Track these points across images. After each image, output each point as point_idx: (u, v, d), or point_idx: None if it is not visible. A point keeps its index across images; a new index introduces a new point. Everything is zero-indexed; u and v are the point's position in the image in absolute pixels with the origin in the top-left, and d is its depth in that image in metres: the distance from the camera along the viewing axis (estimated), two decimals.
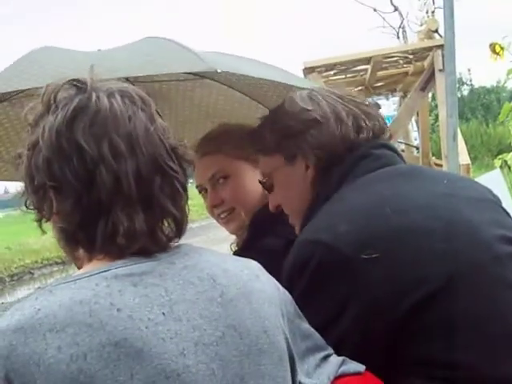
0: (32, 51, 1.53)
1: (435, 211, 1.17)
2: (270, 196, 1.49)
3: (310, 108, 1.34)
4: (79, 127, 0.90)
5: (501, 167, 4.46)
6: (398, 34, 13.62)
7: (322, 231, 1.17)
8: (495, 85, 35.27)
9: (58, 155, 0.90)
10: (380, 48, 6.44)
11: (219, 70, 1.34)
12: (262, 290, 0.98)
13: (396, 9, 13.42)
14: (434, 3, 10.63)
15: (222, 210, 1.74)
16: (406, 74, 6.87)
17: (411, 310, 1.07)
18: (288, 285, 1.12)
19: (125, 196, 0.89)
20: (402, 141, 7.82)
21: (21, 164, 0.95)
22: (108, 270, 0.87)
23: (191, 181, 1.73)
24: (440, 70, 5.49)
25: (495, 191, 1.35)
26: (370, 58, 5.99)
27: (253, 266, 1.02)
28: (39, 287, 12.94)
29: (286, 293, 1.06)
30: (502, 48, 3.66)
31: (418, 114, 7.34)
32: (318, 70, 5.90)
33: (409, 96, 6.50)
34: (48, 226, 0.98)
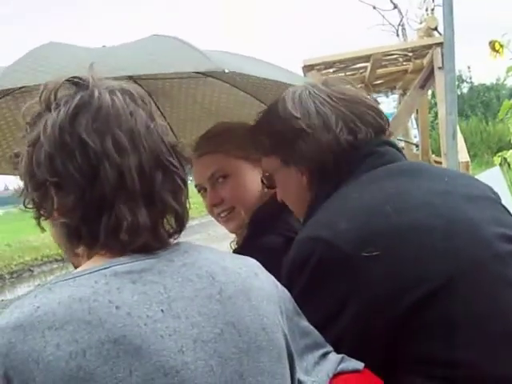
0: (39, 47, 1.53)
1: (436, 209, 1.17)
2: (277, 190, 1.49)
3: (298, 115, 1.32)
4: (82, 123, 0.90)
5: (500, 165, 4.46)
6: (397, 31, 13.61)
7: (322, 228, 1.17)
8: (495, 82, 35.28)
9: (61, 151, 0.90)
10: (379, 46, 6.44)
11: (227, 70, 1.35)
12: (260, 287, 0.98)
13: (395, 6, 13.41)
14: (433, 1, 10.62)
15: (221, 210, 1.74)
16: (406, 71, 6.88)
17: (412, 308, 1.07)
18: (288, 282, 1.12)
19: (128, 191, 0.89)
20: (401, 138, 7.84)
21: (20, 162, 0.95)
22: (107, 268, 0.88)
23: (191, 178, 1.73)
24: (439, 68, 5.50)
25: (495, 188, 1.35)
26: (370, 55, 6.00)
27: (252, 264, 1.03)
28: (39, 284, 12.95)
29: (285, 290, 1.06)
30: (501, 46, 3.66)
31: (417, 111, 7.35)
32: (318, 67, 5.90)
33: (408, 94, 6.52)
34: (47, 223, 0.99)
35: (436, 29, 6.56)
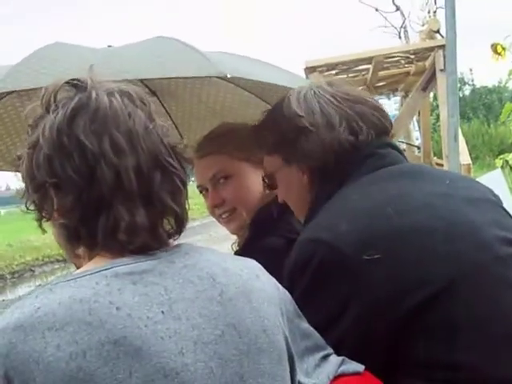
0: (44, 47, 1.54)
1: (437, 211, 1.17)
2: (277, 190, 1.49)
3: (302, 114, 1.33)
4: (80, 124, 0.91)
5: (502, 167, 4.46)
6: (399, 33, 13.64)
7: (323, 230, 1.17)
8: (497, 85, 35.30)
9: (59, 152, 0.90)
10: (382, 48, 6.44)
11: (229, 75, 1.36)
12: (261, 289, 0.98)
13: (398, 8, 13.44)
14: (435, 3, 10.63)
15: (223, 210, 1.74)
16: (408, 73, 6.88)
17: (413, 311, 1.07)
18: (289, 283, 1.12)
19: (125, 191, 0.90)
20: (403, 140, 7.83)
21: (21, 164, 0.95)
22: (108, 269, 0.88)
23: (192, 179, 1.73)
24: (441, 70, 5.50)
25: (496, 191, 1.35)
26: (372, 57, 6.00)
27: (253, 266, 1.03)
28: (40, 284, 12.96)
29: (286, 292, 1.06)
30: (503, 48, 3.67)
31: (419, 113, 7.34)
32: (320, 69, 5.90)
33: (410, 96, 6.51)
34: (48, 224, 0.99)
35: (438, 31, 6.56)
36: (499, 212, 1.28)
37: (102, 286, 0.85)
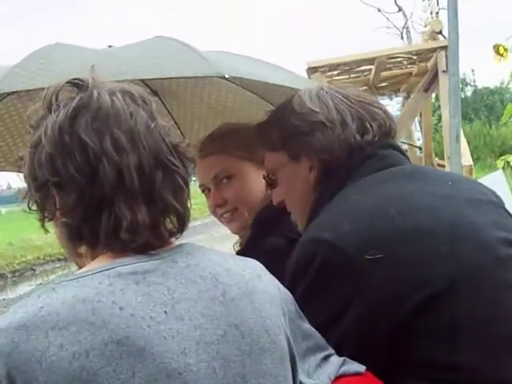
0: (43, 47, 1.54)
1: (439, 213, 1.17)
2: (274, 191, 1.49)
3: (317, 110, 1.33)
4: (81, 123, 0.91)
5: (503, 168, 4.45)
6: (401, 34, 13.64)
7: (325, 230, 1.17)
8: (499, 86, 35.28)
9: (61, 151, 0.90)
10: (384, 48, 6.46)
11: (227, 76, 1.36)
12: (263, 289, 0.98)
13: (400, 9, 13.44)
14: (438, 4, 10.64)
15: (225, 210, 1.74)
16: (410, 74, 6.89)
17: (414, 312, 1.07)
18: (291, 283, 1.12)
19: (127, 190, 0.90)
20: (404, 141, 7.84)
21: (23, 165, 0.96)
22: (111, 268, 0.88)
23: (194, 179, 1.74)
24: (443, 71, 5.51)
25: (498, 192, 1.36)
26: (374, 58, 6.01)
27: (255, 266, 1.03)
28: (41, 283, 12.98)
29: (288, 293, 1.06)
30: (505, 49, 3.67)
31: (421, 114, 7.35)
32: (322, 69, 5.91)
33: (412, 96, 6.53)
34: (50, 224, 0.99)
35: (440, 32, 6.57)
36: (501, 213, 1.28)
37: (104, 286, 0.85)
